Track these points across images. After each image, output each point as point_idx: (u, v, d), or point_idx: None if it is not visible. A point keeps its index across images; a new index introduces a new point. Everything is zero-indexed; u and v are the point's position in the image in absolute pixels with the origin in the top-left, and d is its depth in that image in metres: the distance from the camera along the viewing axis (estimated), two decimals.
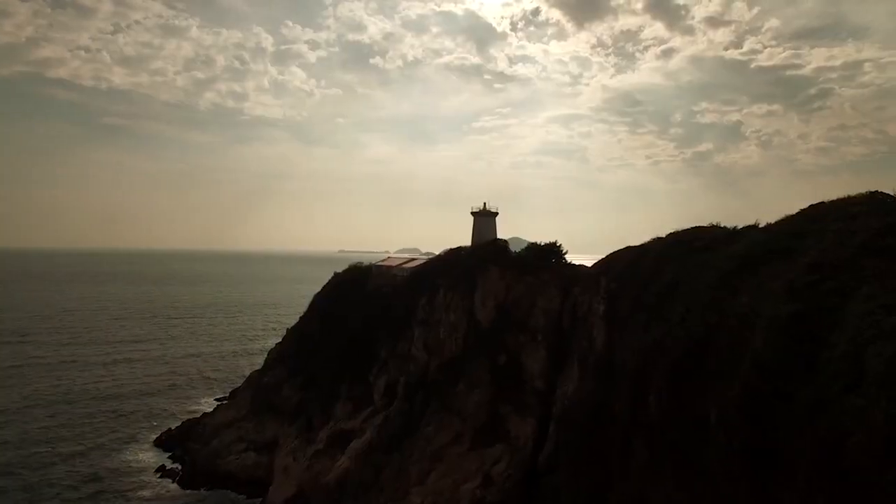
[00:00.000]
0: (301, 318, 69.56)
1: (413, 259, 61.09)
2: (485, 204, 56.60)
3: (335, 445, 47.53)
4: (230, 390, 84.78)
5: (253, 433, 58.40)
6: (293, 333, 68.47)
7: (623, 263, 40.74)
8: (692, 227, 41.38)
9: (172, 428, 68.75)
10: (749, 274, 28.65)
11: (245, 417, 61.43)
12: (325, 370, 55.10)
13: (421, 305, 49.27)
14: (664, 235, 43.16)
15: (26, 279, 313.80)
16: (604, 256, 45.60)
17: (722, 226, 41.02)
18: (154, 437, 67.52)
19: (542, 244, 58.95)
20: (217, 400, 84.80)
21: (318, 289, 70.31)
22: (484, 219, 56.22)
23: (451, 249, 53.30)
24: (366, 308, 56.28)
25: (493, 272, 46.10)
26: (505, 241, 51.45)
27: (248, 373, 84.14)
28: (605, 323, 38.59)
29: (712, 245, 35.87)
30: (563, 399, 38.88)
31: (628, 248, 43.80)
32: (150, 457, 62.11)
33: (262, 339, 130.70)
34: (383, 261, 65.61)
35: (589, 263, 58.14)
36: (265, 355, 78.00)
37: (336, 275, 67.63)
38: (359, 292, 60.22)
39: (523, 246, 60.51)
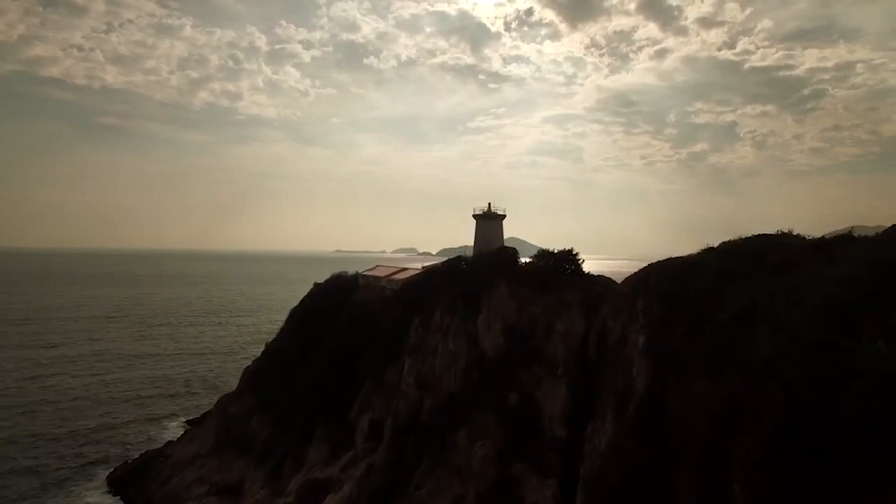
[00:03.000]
0: (278, 333, 60.81)
1: (404, 269, 52.46)
2: (489, 205, 47.74)
3: (307, 499, 38.83)
4: (204, 412, 76.30)
5: (216, 473, 49.65)
6: (269, 352, 59.72)
7: (667, 280, 32.07)
8: (756, 236, 32.71)
9: (130, 461, 60.01)
10: (878, 307, 20.09)
11: (209, 453, 52.68)
12: (300, 401, 46.38)
13: (413, 328, 40.58)
14: (716, 245, 34.70)
15: (12, 280, 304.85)
16: (639, 269, 36.98)
17: (794, 233, 32.47)
18: (108, 472, 58.76)
19: (556, 251, 50.39)
20: (188, 423, 76.31)
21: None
22: (488, 222, 47.42)
23: (449, 259, 44.63)
24: (349, 327, 47.53)
25: (501, 288, 37.40)
26: (514, 250, 42.71)
27: (227, 389, 75.78)
28: (648, 359, 29.89)
29: (795, 260, 27.35)
30: (595, 457, 30.20)
31: (670, 261, 35.20)
32: (98, 499, 53.36)
33: (248, 349, 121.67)
34: (371, 269, 56.97)
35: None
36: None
37: (317, 285, 58.87)
38: (342, 307, 51.49)
39: (523, 250, 52.03)
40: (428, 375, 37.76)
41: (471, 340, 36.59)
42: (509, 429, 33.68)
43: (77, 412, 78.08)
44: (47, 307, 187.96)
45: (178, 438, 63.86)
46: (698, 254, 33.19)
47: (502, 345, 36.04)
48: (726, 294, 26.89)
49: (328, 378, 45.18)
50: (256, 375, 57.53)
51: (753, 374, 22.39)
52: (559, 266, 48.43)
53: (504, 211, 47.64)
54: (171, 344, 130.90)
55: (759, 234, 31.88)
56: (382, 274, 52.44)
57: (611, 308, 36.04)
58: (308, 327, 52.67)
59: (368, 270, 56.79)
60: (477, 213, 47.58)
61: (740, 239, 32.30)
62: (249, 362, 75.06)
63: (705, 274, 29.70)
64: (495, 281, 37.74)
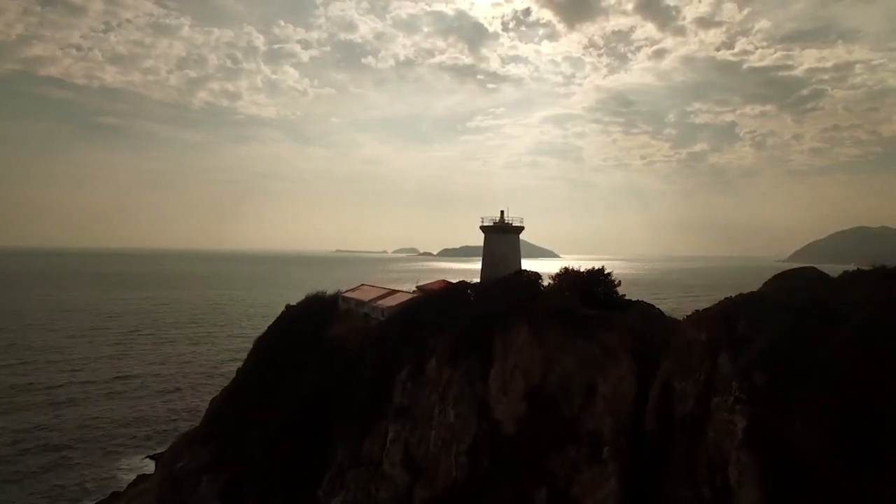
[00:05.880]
0: (241, 367, 50.35)
1: (393, 292, 41.92)
2: (502, 214, 37.02)
3: None
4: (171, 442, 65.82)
5: None
6: (230, 390, 49.25)
7: (775, 331, 21.54)
8: None
9: None
10: None
11: None
12: (257, 465, 35.89)
13: (399, 381, 30.06)
14: (853, 269, 24.27)
15: (11, 281, 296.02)
16: (715, 305, 26.46)
17: None
18: None
19: (583, 271, 39.79)
20: (150, 457, 66.06)
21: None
22: (501, 237, 36.72)
23: (449, 286, 34.14)
24: (321, 371, 37.00)
25: (522, 332, 26.88)
26: (536, 274, 32.17)
27: (199, 417, 65.22)
28: (758, 459, 19.38)
29: None
30: None
31: (772, 295, 24.74)
32: None
33: (235, 367, 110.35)
34: (353, 290, 46.47)
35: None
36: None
37: (288, 308, 48.34)
38: (315, 341, 40.98)
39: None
40: (419, 453, 27.25)
41: (480, 407, 26.06)
42: None
43: (16, 446, 67.64)
44: (29, 312, 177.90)
45: (124, 490, 53.54)
46: (834, 283, 22.65)
47: (524, 415, 25.51)
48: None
49: (292, 438, 34.68)
50: (214, 417, 47.08)
51: None
52: (589, 291, 37.91)
53: (521, 221, 36.91)
54: (152, 361, 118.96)
55: None
56: (367, 297, 41.97)
57: (676, 363, 25.56)
58: (273, 365, 42.16)
59: (350, 291, 46.26)
60: (486, 224, 36.91)
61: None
62: (225, 383, 64.14)
63: (847, 329, 19.26)
64: (513, 320, 27.23)
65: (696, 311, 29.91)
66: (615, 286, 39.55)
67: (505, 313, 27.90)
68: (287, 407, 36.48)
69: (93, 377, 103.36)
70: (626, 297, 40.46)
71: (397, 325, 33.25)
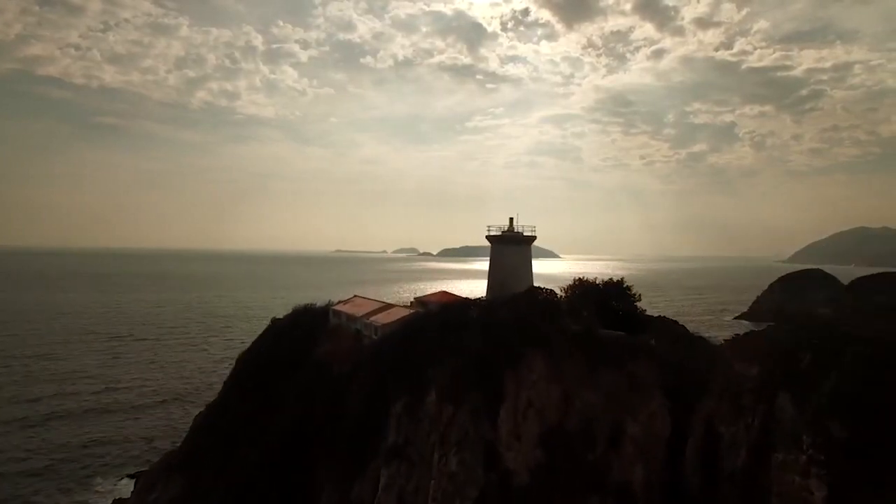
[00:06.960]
0: (226, 383, 46.29)
1: (388, 306, 37.77)
2: (511, 221, 32.76)
3: None
4: (153, 460, 61.67)
5: None
6: (211, 408, 45.22)
7: (850, 366, 17.52)
8: None
9: None
10: None
11: None
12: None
13: (394, 414, 26.00)
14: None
15: (11, 281, 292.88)
16: (759, 330, 22.47)
17: None
18: None
19: (600, 283, 35.78)
20: (131, 476, 61.95)
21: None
22: (511, 248, 32.47)
23: (451, 300, 30.08)
24: (306, 397, 32.91)
25: (536, 363, 22.87)
26: (552, 293, 28.09)
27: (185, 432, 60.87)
28: None
29: None
30: None
31: (834, 328, 20.70)
32: None
33: (225, 374, 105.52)
34: (346, 303, 42.35)
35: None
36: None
37: (274, 322, 44.26)
38: (300, 359, 36.89)
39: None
40: (417, 502, 23.20)
41: (487, 454, 22.01)
42: None
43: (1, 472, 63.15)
44: (26, 314, 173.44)
45: None
46: None
47: (540, 462, 21.47)
48: None
49: (272, 476, 30.61)
50: (192, 441, 43.04)
51: None
52: (606, 305, 33.85)
53: (533, 230, 32.56)
54: (145, 369, 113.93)
55: None
56: (359, 312, 37.87)
57: (721, 402, 21.52)
58: (255, 387, 38.09)
59: (342, 304, 42.16)
60: (493, 233, 32.63)
61: None
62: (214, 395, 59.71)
63: None
64: (525, 349, 23.19)
65: (737, 335, 25.96)
66: (635, 301, 35.55)
67: (516, 340, 23.85)
68: (268, 439, 32.42)
69: (83, 388, 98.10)
70: (646, 313, 36.56)
71: (392, 347, 29.20)
